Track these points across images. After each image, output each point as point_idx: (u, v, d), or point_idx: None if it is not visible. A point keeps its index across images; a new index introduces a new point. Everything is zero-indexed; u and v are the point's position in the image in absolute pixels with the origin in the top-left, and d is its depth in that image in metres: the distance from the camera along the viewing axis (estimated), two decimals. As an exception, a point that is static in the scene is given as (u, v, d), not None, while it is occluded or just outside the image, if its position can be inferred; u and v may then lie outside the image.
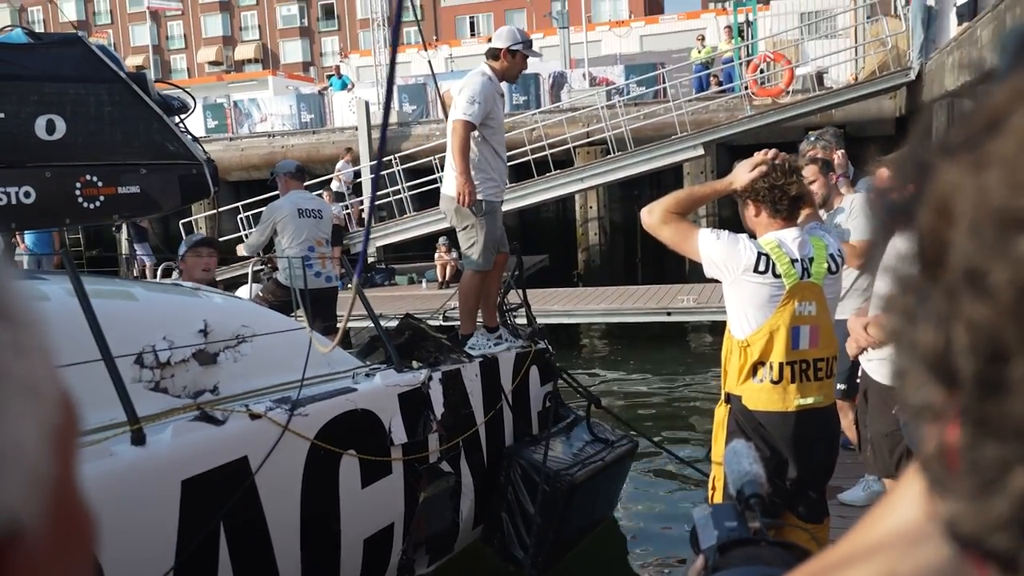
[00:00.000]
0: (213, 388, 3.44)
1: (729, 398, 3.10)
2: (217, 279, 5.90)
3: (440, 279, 15.18)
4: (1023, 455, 0.33)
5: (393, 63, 3.30)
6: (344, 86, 23.44)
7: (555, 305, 12.46)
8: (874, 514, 0.52)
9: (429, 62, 7.49)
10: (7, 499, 0.32)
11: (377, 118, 19.94)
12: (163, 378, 3.30)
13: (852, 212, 4.74)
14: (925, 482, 0.39)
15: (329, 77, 25.41)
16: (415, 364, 4.30)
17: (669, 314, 12.01)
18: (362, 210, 17.59)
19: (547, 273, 16.09)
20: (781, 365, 3.04)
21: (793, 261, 3.05)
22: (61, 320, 3.06)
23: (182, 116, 5.73)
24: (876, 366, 4.12)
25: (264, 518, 3.17)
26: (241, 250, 7.12)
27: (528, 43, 5.24)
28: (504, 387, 4.82)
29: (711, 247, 3.06)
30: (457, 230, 5.03)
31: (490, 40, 5.36)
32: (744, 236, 3.11)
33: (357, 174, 18.24)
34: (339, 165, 17.28)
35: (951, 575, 0.40)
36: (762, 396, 3.04)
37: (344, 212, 16.89)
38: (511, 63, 5.16)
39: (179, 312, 3.60)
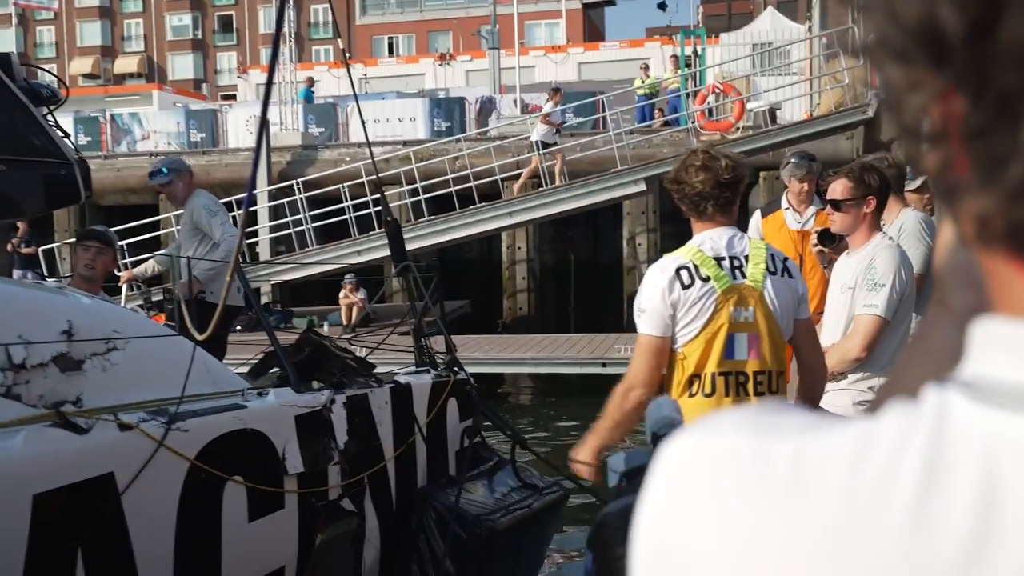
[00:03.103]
0: (76, 399, 3.33)
1: None
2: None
3: (345, 322, 15.05)
4: None
5: (272, 70, 3.30)
6: (311, 98, 23.02)
7: (476, 352, 12.46)
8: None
9: (350, 77, 7.48)
10: None
11: (278, 140, 19.86)
12: (16, 383, 3.18)
13: (902, 235, 4.59)
14: (943, 204, 0.43)
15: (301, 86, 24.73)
16: (316, 385, 4.24)
17: (604, 365, 12.13)
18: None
19: (468, 320, 16.13)
20: (713, 376, 3.16)
21: (719, 260, 3.18)
22: None
23: (51, 107, 5.60)
24: (831, 398, 4.23)
25: (131, 547, 3.05)
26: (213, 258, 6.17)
27: None
28: (418, 419, 4.78)
29: (646, 320, 3.23)
30: None
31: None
32: (656, 271, 3.27)
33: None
34: (547, 107, 16.70)
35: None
36: (695, 412, 3.10)
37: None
38: None
39: (38, 309, 3.48)
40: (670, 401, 1.46)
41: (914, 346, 0.63)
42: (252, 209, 17.66)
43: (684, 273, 3.18)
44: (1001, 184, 0.39)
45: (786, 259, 3.39)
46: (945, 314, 0.57)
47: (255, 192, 18.14)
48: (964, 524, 0.41)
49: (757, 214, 5.79)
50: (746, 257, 3.23)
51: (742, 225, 3.52)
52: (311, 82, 23.98)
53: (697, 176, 3.19)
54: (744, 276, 3.20)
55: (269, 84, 3.14)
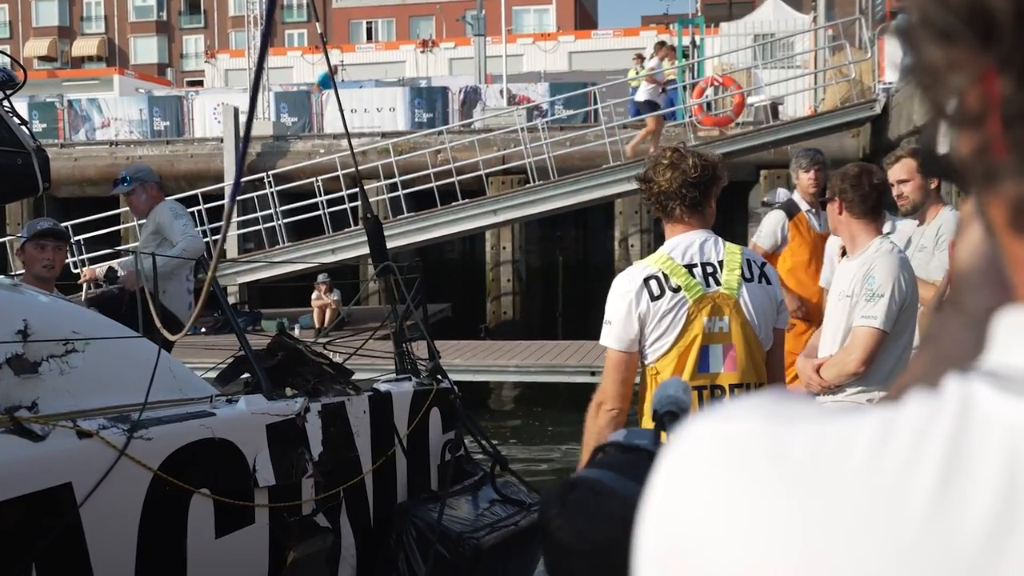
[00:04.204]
0: (31, 404, 3.30)
1: None
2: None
3: (317, 325, 15.01)
4: None
5: (263, 54, 3.29)
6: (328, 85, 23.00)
7: (458, 359, 12.46)
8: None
9: (329, 64, 7.46)
10: None
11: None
12: (-34, 386, 3.15)
13: (940, 239, 4.53)
14: (974, 191, 0.44)
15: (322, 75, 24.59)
16: (289, 392, 4.22)
17: (593, 373, 12.13)
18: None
19: (449, 324, 16.12)
20: None
21: (690, 268, 3.19)
22: None
23: (7, 92, 5.55)
24: (828, 411, 4.23)
25: (89, 563, 3.03)
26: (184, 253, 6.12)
27: None
28: (399, 430, 4.77)
29: (611, 333, 3.21)
30: None
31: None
32: (624, 281, 3.26)
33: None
34: (651, 63, 16.50)
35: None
36: None
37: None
38: None
39: (-8, 307, 3.45)
40: (679, 381, 1.49)
41: (924, 349, 0.65)
42: (220, 203, 17.60)
43: (653, 283, 3.17)
44: None
45: (764, 264, 3.39)
46: (958, 316, 0.59)
47: (222, 185, 18.07)
48: (987, 514, 0.43)
49: (782, 215, 5.74)
50: (720, 263, 3.23)
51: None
52: (334, 70, 23.93)
53: (664, 175, 3.20)
54: (718, 283, 3.20)
55: (258, 78, 3.11)
